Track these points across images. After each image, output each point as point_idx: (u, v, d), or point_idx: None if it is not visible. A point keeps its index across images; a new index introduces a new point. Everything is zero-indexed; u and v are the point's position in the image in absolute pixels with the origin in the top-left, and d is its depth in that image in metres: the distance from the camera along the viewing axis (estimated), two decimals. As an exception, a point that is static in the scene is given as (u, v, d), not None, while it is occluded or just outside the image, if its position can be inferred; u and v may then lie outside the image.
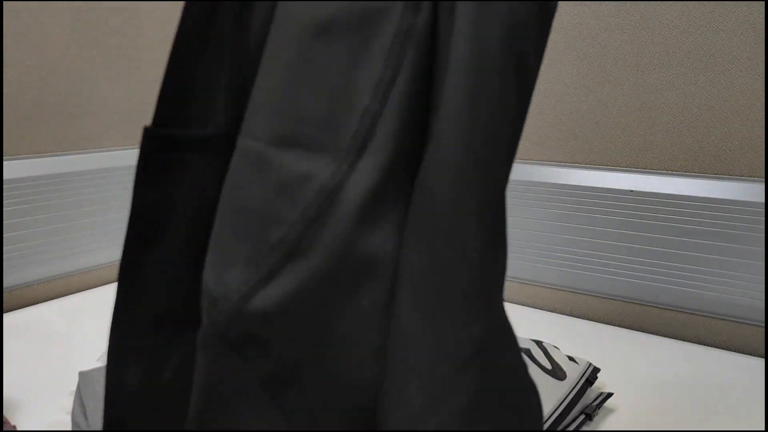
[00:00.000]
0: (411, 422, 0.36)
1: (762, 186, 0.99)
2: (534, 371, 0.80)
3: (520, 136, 0.40)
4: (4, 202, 1.11)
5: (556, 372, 0.80)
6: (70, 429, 0.75)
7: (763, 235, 0.99)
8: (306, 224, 0.37)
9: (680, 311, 1.09)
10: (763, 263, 1.00)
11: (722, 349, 1.06)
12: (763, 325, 1.02)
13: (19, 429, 0.74)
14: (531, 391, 0.40)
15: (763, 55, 0.97)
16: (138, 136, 1.34)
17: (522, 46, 0.37)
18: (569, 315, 1.19)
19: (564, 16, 1.13)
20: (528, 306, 1.24)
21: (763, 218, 0.99)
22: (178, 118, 0.41)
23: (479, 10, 0.36)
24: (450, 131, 0.37)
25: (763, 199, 0.99)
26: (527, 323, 1.12)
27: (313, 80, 0.37)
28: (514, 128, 0.39)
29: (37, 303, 1.18)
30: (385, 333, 0.38)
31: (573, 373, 0.81)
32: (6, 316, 1.09)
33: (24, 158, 1.14)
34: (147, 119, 1.35)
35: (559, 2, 1.13)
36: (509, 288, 1.27)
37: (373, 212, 0.37)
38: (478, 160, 0.37)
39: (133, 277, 0.43)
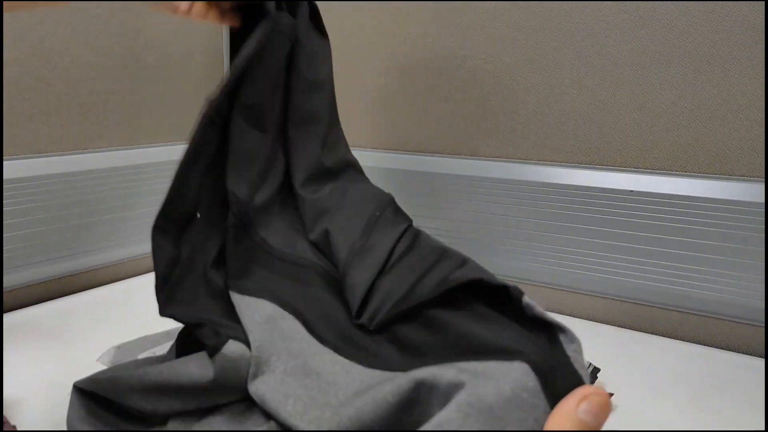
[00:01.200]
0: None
1: (762, 186, 0.99)
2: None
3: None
4: (4, 202, 1.11)
5: (556, 372, 0.80)
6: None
7: (763, 235, 0.99)
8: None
9: (680, 311, 1.09)
10: (763, 263, 1.00)
11: (722, 349, 1.06)
12: (763, 325, 1.02)
13: (19, 429, 0.74)
14: None
15: (763, 55, 0.97)
16: (138, 136, 1.34)
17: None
18: (569, 315, 1.19)
19: (563, 16, 1.13)
20: (528, 306, 1.23)
21: (763, 218, 0.99)
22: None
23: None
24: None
25: (763, 199, 0.99)
26: (527, 323, 1.12)
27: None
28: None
29: (37, 303, 1.18)
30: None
31: (573, 373, 0.81)
32: (6, 316, 1.09)
33: (24, 158, 1.14)
34: (147, 119, 1.35)
35: (559, 2, 1.13)
36: (509, 288, 1.26)
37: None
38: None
39: (182, 182, 0.69)
